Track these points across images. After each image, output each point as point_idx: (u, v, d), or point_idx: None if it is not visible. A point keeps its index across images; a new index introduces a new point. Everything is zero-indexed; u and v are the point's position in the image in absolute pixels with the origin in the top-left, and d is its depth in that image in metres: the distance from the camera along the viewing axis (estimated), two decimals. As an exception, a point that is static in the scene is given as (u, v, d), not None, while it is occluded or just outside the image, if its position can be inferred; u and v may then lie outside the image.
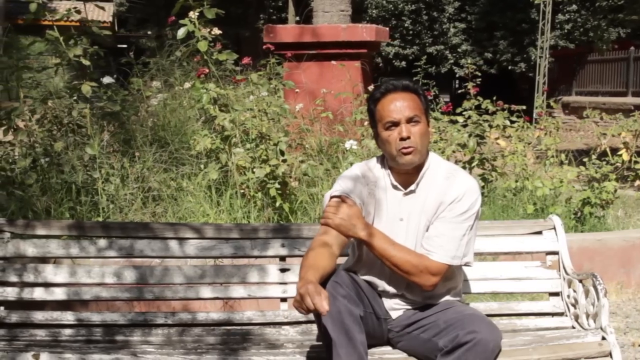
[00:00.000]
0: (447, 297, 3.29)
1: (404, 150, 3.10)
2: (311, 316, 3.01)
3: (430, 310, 3.22)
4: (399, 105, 3.13)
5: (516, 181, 6.23)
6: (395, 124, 3.12)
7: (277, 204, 5.30)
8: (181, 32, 5.76)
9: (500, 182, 6.44)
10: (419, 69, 7.94)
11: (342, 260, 3.50)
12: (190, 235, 3.66)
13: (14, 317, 3.48)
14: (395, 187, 3.23)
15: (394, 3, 24.40)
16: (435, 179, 3.20)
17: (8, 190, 5.52)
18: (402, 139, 3.10)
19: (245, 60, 5.90)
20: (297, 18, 18.47)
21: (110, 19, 29.14)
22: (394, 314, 3.28)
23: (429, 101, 3.35)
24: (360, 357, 2.92)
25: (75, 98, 5.74)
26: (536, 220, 3.97)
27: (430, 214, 3.16)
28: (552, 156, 6.67)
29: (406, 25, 24.81)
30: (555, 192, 6.18)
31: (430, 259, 3.08)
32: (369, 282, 3.29)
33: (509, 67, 24.45)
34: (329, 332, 2.92)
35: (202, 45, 5.69)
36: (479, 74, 7.08)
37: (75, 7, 5.86)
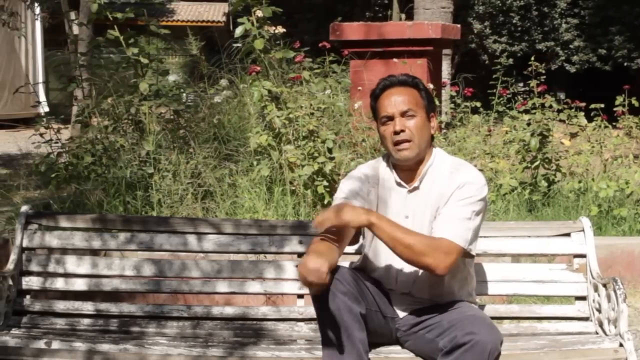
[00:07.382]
0: (455, 297, 3.23)
1: (399, 146, 3.08)
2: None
3: (436, 310, 3.16)
4: (393, 100, 3.12)
5: (579, 182, 6.01)
6: (390, 118, 3.11)
7: (326, 201, 5.32)
8: (238, 31, 5.85)
9: (564, 183, 6.22)
10: (499, 67, 7.77)
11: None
12: (209, 230, 3.71)
13: (37, 306, 3.62)
14: (399, 184, 3.20)
15: (502, -1, 23.92)
16: (441, 174, 3.15)
17: (70, 184, 5.75)
18: (395, 133, 3.07)
19: (298, 58, 5.92)
20: (402, 15, 18.38)
21: (224, 18, 29.82)
22: (401, 313, 3.24)
23: (431, 95, 3.29)
24: (359, 356, 2.90)
25: (139, 95, 5.92)
26: (564, 222, 3.85)
27: (434, 207, 3.11)
28: (621, 156, 6.39)
29: (514, 21, 24.24)
30: (623, 194, 5.93)
31: (440, 238, 2.99)
32: (376, 280, 3.26)
33: (625, 64, 23.50)
34: (326, 329, 2.92)
35: (259, 44, 5.75)
36: (543, 72, 6.86)
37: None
